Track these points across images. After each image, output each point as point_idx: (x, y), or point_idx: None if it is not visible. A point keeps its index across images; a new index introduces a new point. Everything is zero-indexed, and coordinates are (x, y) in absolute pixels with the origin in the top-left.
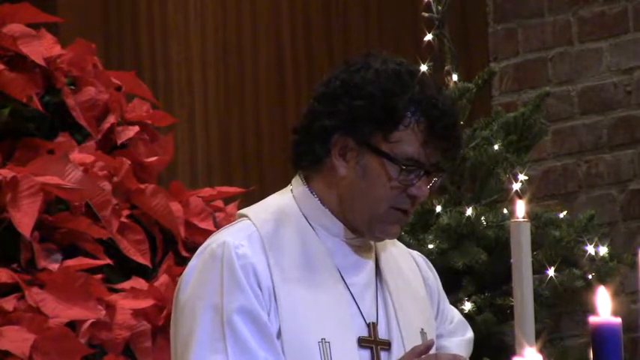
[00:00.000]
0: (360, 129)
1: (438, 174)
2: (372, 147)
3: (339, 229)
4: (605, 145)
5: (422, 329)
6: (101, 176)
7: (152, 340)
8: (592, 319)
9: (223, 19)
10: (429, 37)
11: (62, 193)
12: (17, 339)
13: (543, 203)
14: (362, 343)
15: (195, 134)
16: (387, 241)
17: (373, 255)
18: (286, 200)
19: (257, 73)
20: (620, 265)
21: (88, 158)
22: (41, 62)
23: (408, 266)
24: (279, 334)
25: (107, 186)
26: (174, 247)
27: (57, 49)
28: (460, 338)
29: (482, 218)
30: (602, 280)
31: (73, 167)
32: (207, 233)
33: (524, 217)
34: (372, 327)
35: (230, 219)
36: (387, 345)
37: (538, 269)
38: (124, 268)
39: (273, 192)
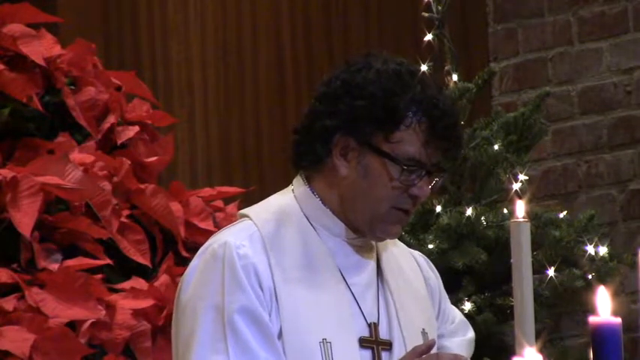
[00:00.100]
0: (361, 129)
1: (439, 174)
2: (374, 147)
3: (341, 229)
4: (605, 145)
5: (423, 329)
6: (101, 176)
7: (152, 340)
8: (592, 319)
9: (223, 19)
10: (429, 37)
11: (62, 193)
12: (17, 339)
13: (543, 203)
14: (363, 343)
15: (195, 134)
16: (388, 241)
17: (374, 255)
18: (287, 200)
19: (257, 73)
20: (620, 265)
21: (88, 158)
22: (41, 62)
23: (409, 266)
24: (280, 335)
25: (107, 186)
26: (174, 247)
27: (57, 49)
28: (461, 338)
29: (483, 218)
30: (602, 280)
31: (73, 167)
32: (207, 233)
33: (524, 217)
34: (374, 327)
35: (230, 219)
36: (388, 345)
37: (538, 269)
38: (124, 268)
39: (273, 192)
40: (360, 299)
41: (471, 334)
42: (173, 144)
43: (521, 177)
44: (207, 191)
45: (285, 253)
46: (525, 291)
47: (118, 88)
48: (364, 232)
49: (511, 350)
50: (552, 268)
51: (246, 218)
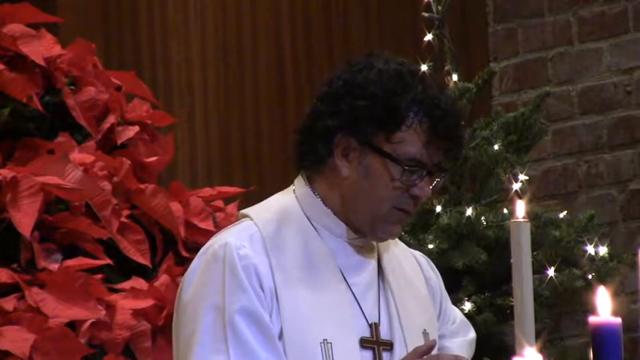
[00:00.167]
0: (362, 129)
1: (441, 174)
2: (375, 147)
3: (342, 229)
4: (605, 145)
5: (424, 330)
6: (101, 176)
7: (152, 340)
8: (592, 319)
9: (223, 19)
10: (429, 37)
11: (62, 193)
12: (17, 339)
13: (543, 203)
14: (364, 343)
15: (195, 134)
16: (390, 241)
17: (375, 255)
18: (289, 200)
19: (257, 73)
20: (620, 265)
21: (88, 158)
22: (41, 62)
23: (410, 266)
24: (280, 335)
25: (107, 186)
26: (174, 247)
27: (57, 49)
28: (462, 339)
29: (483, 218)
30: (602, 280)
31: (73, 167)
32: (207, 233)
33: (524, 217)
34: (374, 327)
35: (230, 219)
36: (389, 345)
37: (538, 269)
38: (124, 268)
39: (273, 192)
40: (360, 299)
41: (472, 334)
42: (173, 144)
43: (521, 177)
44: (207, 191)
45: (286, 254)
46: (525, 291)
47: (118, 88)
48: (365, 233)
49: (511, 350)
50: (552, 268)
51: (247, 218)
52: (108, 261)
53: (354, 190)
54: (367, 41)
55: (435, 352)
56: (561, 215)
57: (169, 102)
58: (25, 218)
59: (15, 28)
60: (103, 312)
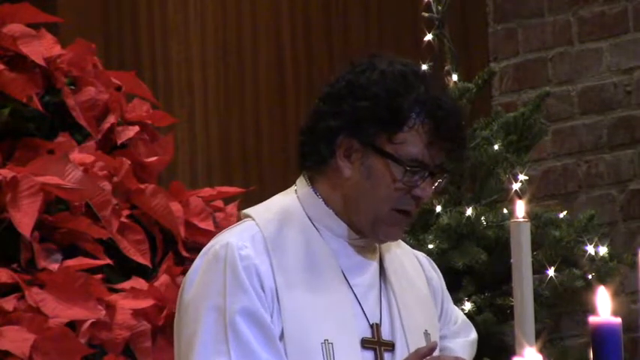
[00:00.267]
0: (364, 130)
1: (443, 175)
2: (377, 148)
3: (343, 230)
4: (605, 145)
5: (426, 330)
6: (101, 176)
7: (152, 340)
8: (592, 319)
9: (223, 19)
10: (429, 37)
11: (62, 193)
12: (17, 339)
13: (543, 203)
14: (365, 344)
15: (195, 134)
16: (392, 242)
17: (377, 256)
18: (290, 201)
19: (257, 73)
20: (620, 265)
21: (88, 158)
22: (41, 62)
23: (412, 267)
24: (281, 336)
25: (107, 186)
26: (174, 247)
27: (57, 49)
28: (464, 339)
29: (483, 218)
30: (602, 280)
31: (73, 167)
32: (207, 233)
33: (524, 217)
34: (376, 328)
35: (230, 219)
36: (390, 346)
37: (538, 269)
38: (124, 268)
39: (273, 192)
40: (362, 300)
41: (473, 335)
42: (173, 144)
43: (521, 177)
44: (207, 191)
45: (288, 254)
46: (525, 291)
47: (118, 88)
48: (367, 234)
49: (511, 350)
50: (552, 268)
51: (248, 219)
52: (108, 261)
53: (356, 191)
54: (367, 41)
55: (436, 353)
56: (561, 215)
57: (169, 102)
58: (25, 218)
59: (15, 28)
60: (103, 312)
